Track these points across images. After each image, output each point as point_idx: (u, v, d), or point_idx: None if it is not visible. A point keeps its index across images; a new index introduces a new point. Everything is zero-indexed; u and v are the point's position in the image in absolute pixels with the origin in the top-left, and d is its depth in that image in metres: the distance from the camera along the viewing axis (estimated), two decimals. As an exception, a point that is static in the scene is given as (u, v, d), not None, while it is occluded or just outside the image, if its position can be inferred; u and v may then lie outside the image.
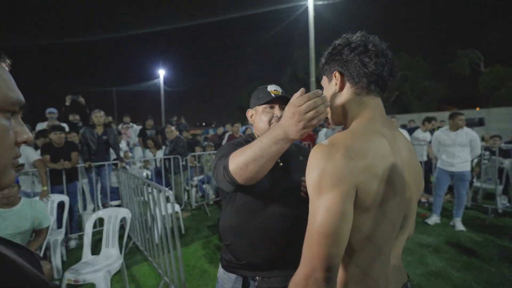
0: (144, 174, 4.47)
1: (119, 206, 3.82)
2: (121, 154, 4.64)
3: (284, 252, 0.97)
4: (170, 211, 3.54)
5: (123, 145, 5.00)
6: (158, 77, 19.70)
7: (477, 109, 14.13)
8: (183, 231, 3.68)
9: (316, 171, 0.60)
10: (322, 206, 0.58)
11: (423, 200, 4.58)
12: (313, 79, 11.90)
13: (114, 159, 3.99)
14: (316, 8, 11.79)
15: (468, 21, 28.68)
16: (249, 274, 1.00)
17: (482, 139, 5.99)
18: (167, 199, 2.17)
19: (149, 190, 2.37)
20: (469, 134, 3.53)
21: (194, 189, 4.90)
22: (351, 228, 0.59)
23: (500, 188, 4.07)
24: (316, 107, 0.68)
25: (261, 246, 0.97)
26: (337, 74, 0.73)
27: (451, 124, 3.60)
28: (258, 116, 1.08)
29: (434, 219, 3.77)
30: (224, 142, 5.30)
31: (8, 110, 0.36)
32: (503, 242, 3.07)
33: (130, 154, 5.10)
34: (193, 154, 5.00)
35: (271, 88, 1.08)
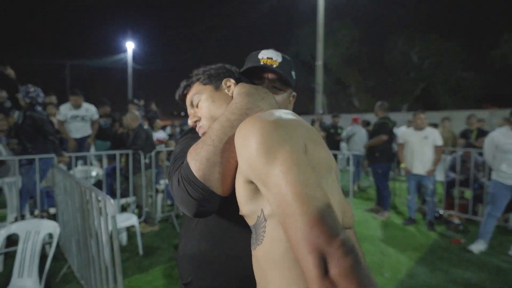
0: (94, 173, 4.19)
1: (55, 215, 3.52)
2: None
3: None
4: (126, 224, 3.41)
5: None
6: (125, 50, 19.22)
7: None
8: (140, 252, 3.45)
9: (254, 139, 0.63)
10: (282, 171, 0.59)
11: (456, 221, 4.47)
12: (320, 62, 11.79)
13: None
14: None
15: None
16: None
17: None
18: (105, 210, 1.90)
19: (92, 196, 2.10)
20: None
21: (160, 195, 4.70)
22: None
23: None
24: None
25: (232, 283, 0.87)
26: (232, 80, 0.92)
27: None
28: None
29: (480, 246, 3.63)
30: None
31: None
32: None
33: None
34: (159, 150, 4.77)
35: (264, 54, 1.00)
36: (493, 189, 3.59)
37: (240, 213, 0.75)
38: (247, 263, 0.81)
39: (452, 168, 5.06)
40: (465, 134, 6.00)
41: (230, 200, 0.78)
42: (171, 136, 7.02)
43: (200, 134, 0.91)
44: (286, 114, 0.70)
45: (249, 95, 0.83)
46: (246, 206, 0.71)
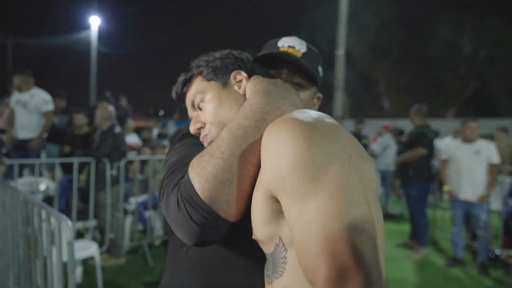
0: (42, 187, 4.20)
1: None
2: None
3: None
4: (82, 254, 3.40)
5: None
6: (88, 27, 19.40)
7: None
8: (100, 293, 3.48)
9: (292, 147, 0.65)
10: (325, 197, 0.61)
11: None
12: (341, 51, 11.95)
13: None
14: None
15: None
16: None
17: None
18: (59, 235, 1.91)
19: (42, 217, 2.12)
20: None
21: (129, 218, 4.74)
22: None
23: None
24: None
25: None
26: (243, 73, 0.95)
27: None
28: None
29: None
30: None
31: None
32: None
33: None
34: (131, 158, 4.82)
35: (284, 42, 1.08)
36: None
37: (253, 237, 0.77)
38: None
39: (512, 194, 5.10)
40: None
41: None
42: (146, 141, 7.06)
43: (205, 144, 0.92)
44: (325, 116, 0.74)
45: (267, 94, 0.85)
46: (262, 229, 0.74)
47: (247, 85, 0.91)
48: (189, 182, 0.77)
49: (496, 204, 5.68)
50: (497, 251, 4.83)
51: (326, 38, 22.63)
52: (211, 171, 0.75)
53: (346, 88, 16.46)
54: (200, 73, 0.97)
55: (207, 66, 0.96)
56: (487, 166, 4.43)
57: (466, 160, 4.51)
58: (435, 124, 12.47)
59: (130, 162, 4.79)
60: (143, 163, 5.43)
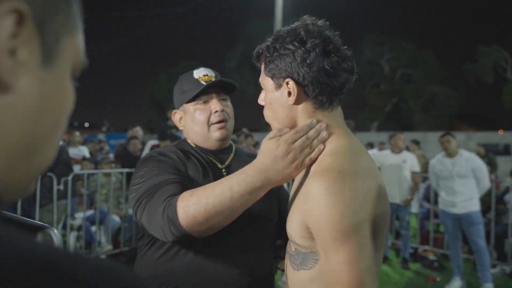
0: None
1: None
2: None
3: None
4: None
5: None
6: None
7: (500, 131, 16.22)
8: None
9: (338, 207, 0.78)
10: (347, 258, 0.77)
11: (431, 257, 5.09)
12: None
13: None
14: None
15: (497, 11, 32.65)
16: None
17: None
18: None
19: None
20: (470, 161, 4.20)
21: (74, 234, 4.70)
22: None
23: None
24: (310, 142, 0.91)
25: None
26: (291, 84, 0.91)
27: (444, 147, 4.29)
28: (189, 118, 1.26)
29: (456, 284, 4.16)
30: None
31: (75, 76, 0.40)
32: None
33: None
34: (78, 172, 4.76)
35: (199, 73, 1.27)
36: (442, 219, 4.37)
37: (288, 237, 0.96)
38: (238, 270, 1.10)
39: (426, 197, 5.74)
40: None
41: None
42: (91, 155, 6.81)
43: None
44: (366, 172, 0.87)
45: (263, 171, 0.93)
46: (298, 239, 0.90)
47: (264, 142, 0.95)
48: (174, 209, 0.97)
49: (414, 207, 6.13)
50: (414, 245, 5.32)
51: (260, 52, 22.87)
52: (192, 212, 0.94)
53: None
54: (266, 61, 0.96)
55: (270, 60, 0.93)
56: (410, 174, 4.95)
57: (395, 168, 4.97)
58: (360, 136, 13.50)
59: (76, 176, 4.71)
60: (88, 176, 5.31)
